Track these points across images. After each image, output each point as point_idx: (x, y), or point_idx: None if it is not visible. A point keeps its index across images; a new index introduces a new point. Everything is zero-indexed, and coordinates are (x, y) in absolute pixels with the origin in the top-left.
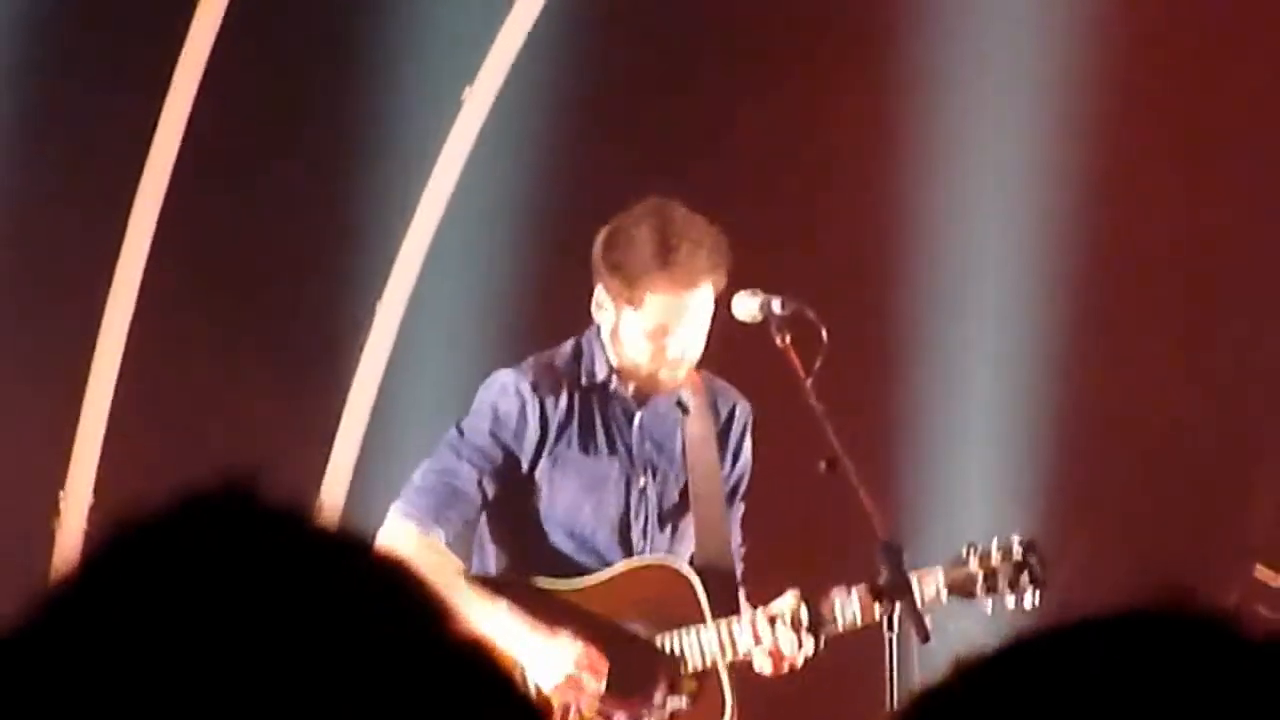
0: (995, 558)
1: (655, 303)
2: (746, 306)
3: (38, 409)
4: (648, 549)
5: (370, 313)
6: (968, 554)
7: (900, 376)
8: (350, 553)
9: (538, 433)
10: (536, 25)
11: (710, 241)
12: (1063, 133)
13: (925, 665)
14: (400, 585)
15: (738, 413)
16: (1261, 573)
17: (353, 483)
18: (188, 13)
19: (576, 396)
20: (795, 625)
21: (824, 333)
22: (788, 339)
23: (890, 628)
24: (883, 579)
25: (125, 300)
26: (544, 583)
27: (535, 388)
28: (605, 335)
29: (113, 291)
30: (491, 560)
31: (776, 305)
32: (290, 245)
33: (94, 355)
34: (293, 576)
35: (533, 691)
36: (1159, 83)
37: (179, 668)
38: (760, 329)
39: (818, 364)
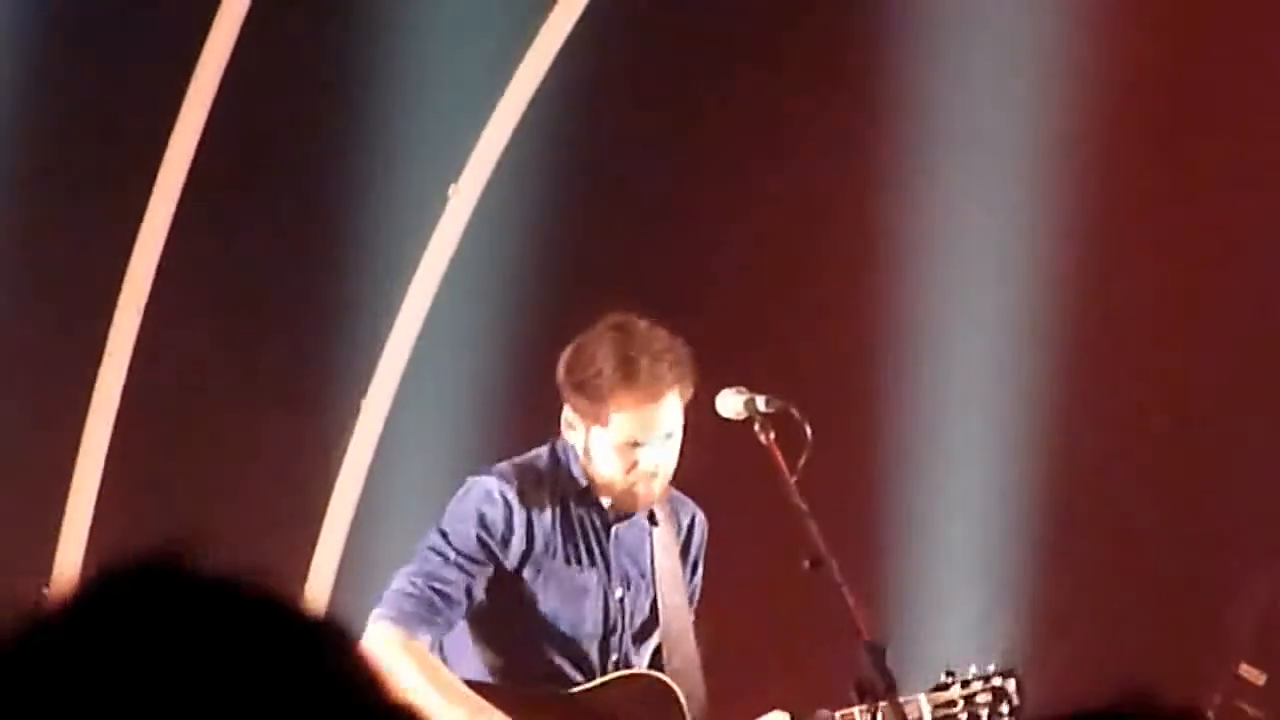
0: (976, 685)
1: (621, 420)
2: (731, 404)
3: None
4: (625, 659)
5: (355, 410)
6: (949, 681)
7: (885, 476)
8: (274, 617)
9: (524, 541)
10: (521, 124)
11: (671, 354)
12: (1055, 226)
13: None
14: (329, 650)
15: (696, 524)
16: (1246, 671)
17: (336, 582)
18: (174, 109)
19: (558, 506)
20: None
21: (808, 430)
22: (772, 436)
23: None
24: (865, 678)
25: (109, 400)
26: (535, 691)
27: (521, 495)
28: (579, 452)
29: (96, 393)
30: (475, 664)
31: (761, 403)
32: (276, 344)
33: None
34: (205, 644)
35: None
36: (1150, 115)
37: None
38: (744, 427)
39: (802, 462)
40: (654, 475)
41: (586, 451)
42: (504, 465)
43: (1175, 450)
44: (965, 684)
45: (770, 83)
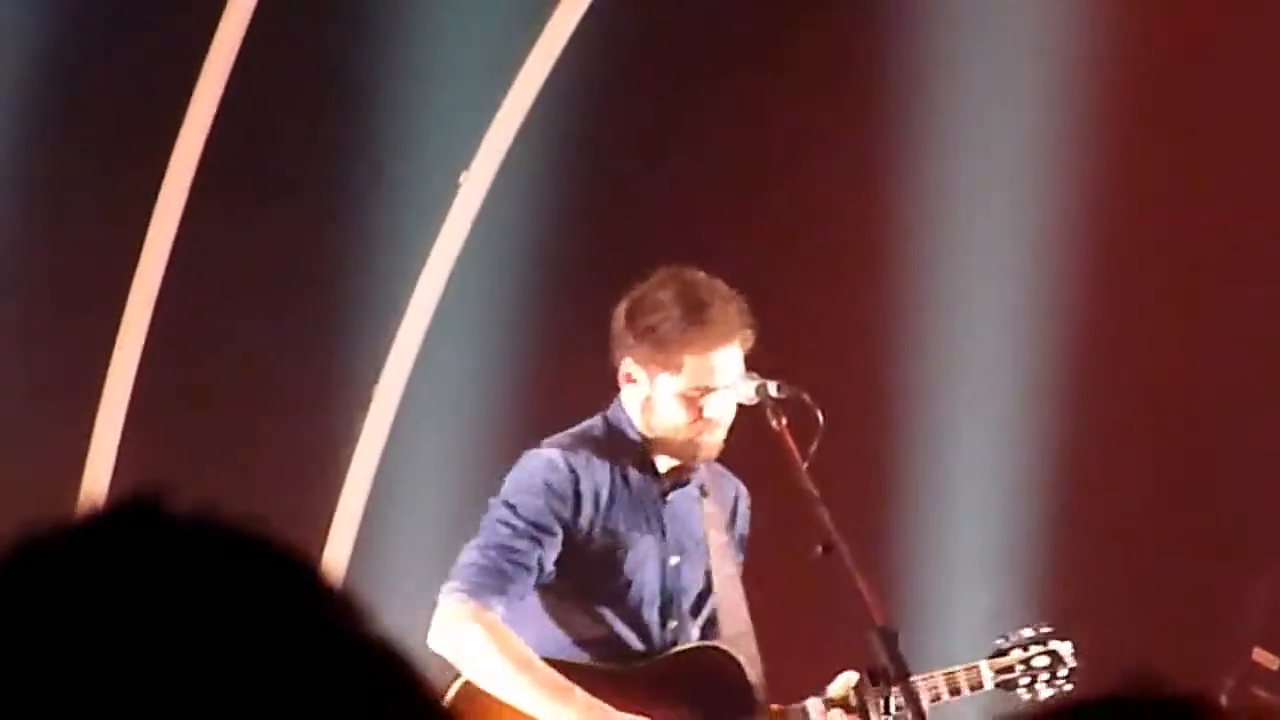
0: (1034, 649)
1: (693, 364)
2: (743, 389)
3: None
4: (682, 627)
5: (368, 397)
6: (1006, 645)
7: (896, 462)
8: (256, 555)
9: (591, 508)
10: (532, 112)
11: (736, 300)
12: (1064, 224)
13: None
14: (307, 585)
15: (741, 498)
16: (1260, 655)
17: (348, 573)
18: (184, 100)
19: (617, 473)
20: (856, 711)
21: (820, 416)
22: (784, 422)
23: (887, 711)
24: (878, 664)
25: (119, 396)
26: (604, 665)
27: (582, 463)
28: (635, 408)
29: (106, 388)
30: (539, 632)
31: (773, 388)
32: (287, 331)
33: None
34: (193, 583)
35: None
36: (1155, 113)
37: (60, 675)
38: (756, 412)
39: (814, 448)
40: (717, 423)
41: (648, 403)
42: (560, 436)
43: (1186, 440)
44: (1024, 648)
45: (779, 75)
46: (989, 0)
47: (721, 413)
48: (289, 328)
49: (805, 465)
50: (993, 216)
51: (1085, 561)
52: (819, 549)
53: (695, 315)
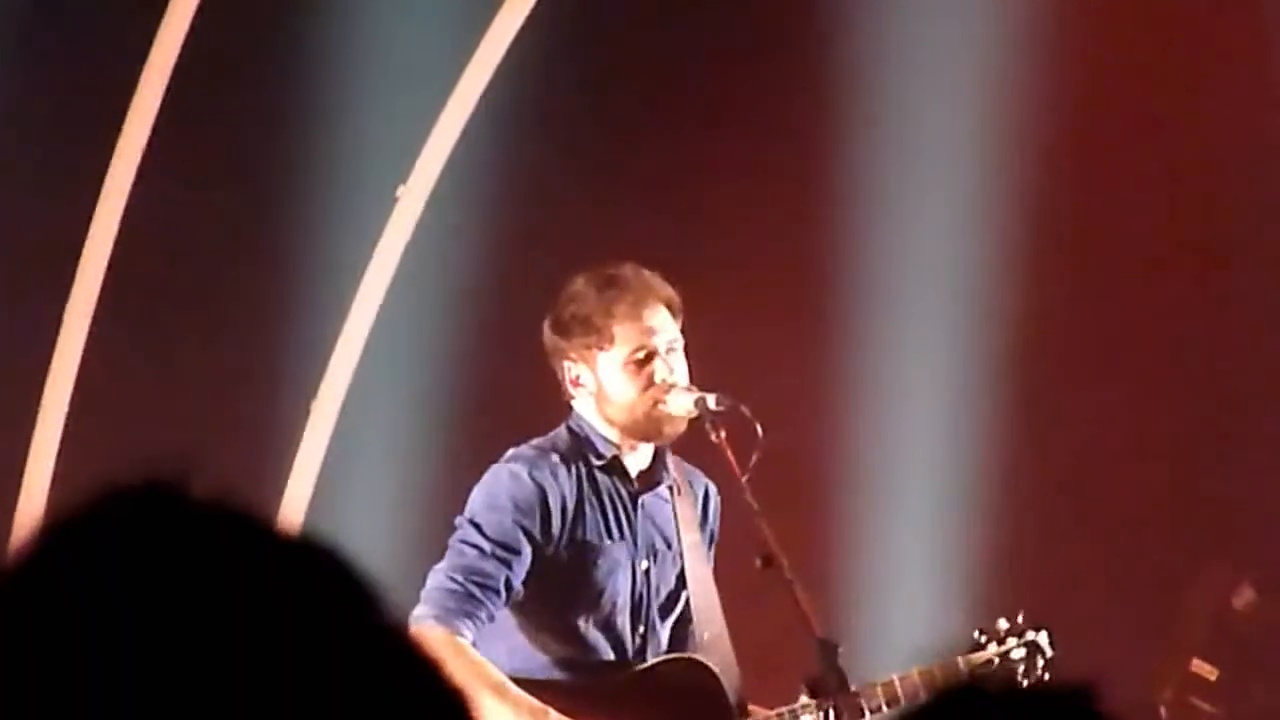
0: (1010, 641)
1: (623, 330)
2: (681, 402)
3: None
4: (652, 632)
5: (305, 413)
6: (983, 640)
7: (837, 474)
8: (275, 542)
9: (558, 521)
10: (469, 125)
11: (654, 275)
12: (1007, 231)
13: None
14: (327, 573)
15: (711, 495)
16: (1198, 667)
17: None
18: (123, 107)
19: (584, 480)
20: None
21: (759, 429)
22: (723, 435)
23: None
24: (818, 676)
25: (56, 408)
26: (578, 682)
27: (547, 475)
28: (591, 410)
29: (43, 403)
30: (517, 652)
31: (712, 401)
32: (223, 344)
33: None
34: (216, 568)
35: None
36: (1112, 115)
37: (99, 661)
38: (695, 425)
39: (753, 460)
40: (670, 387)
41: (600, 394)
42: (523, 449)
43: (1129, 449)
44: (1000, 641)
45: (722, 76)
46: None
47: (670, 376)
48: (228, 337)
49: (745, 478)
50: (935, 222)
51: (1028, 566)
52: (759, 561)
53: (609, 285)
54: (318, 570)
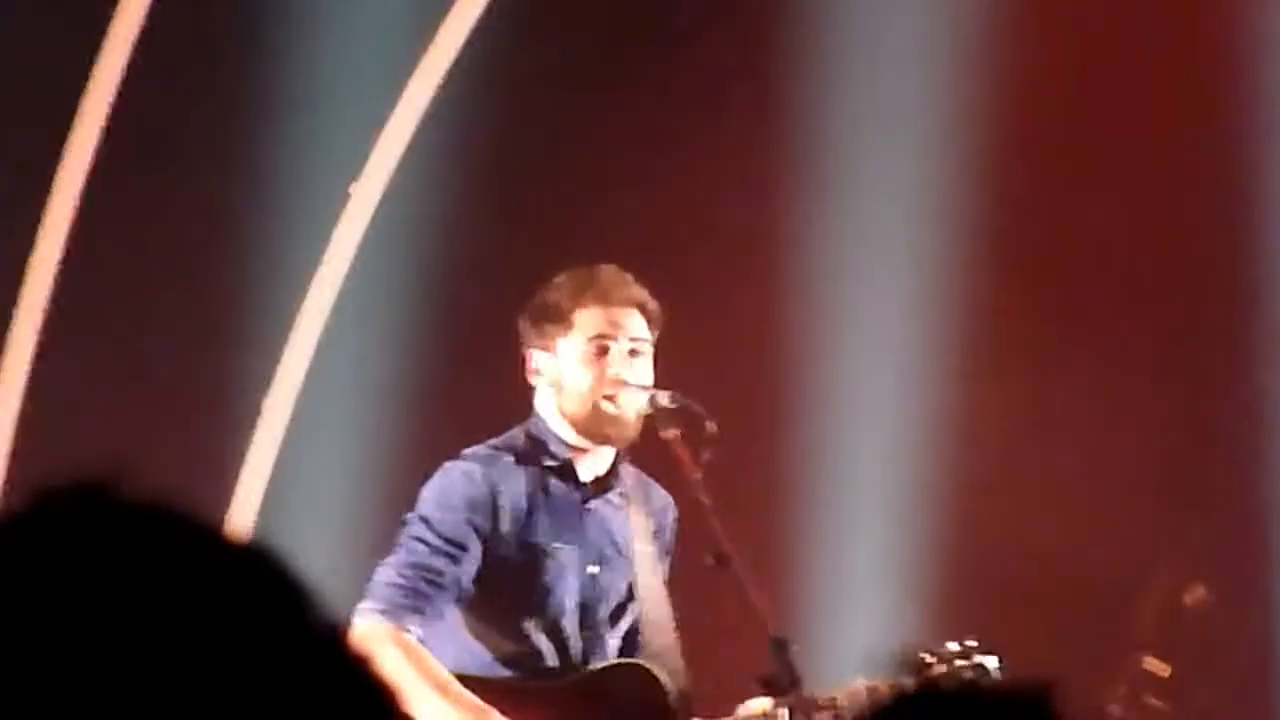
0: (959, 664)
1: (585, 317)
2: (634, 401)
3: None
4: (599, 638)
5: (256, 411)
6: (930, 660)
7: (790, 471)
8: (207, 544)
9: (509, 519)
10: (422, 122)
11: (634, 281)
12: (963, 229)
13: None
14: (259, 575)
15: (669, 510)
16: (1150, 663)
17: None
18: (72, 108)
19: (536, 482)
20: None
21: (712, 426)
22: (676, 433)
23: None
24: (771, 674)
25: (8, 401)
26: (523, 683)
27: (500, 475)
28: (550, 406)
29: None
30: (463, 651)
31: (664, 398)
32: (177, 341)
33: None
34: (144, 571)
35: None
36: (1055, 116)
37: (23, 663)
38: (647, 423)
39: (705, 458)
40: (622, 385)
41: (557, 384)
42: (478, 448)
43: (1078, 445)
44: (949, 662)
45: (672, 80)
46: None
47: (628, 374)
48: (179, 336)
49: (698, 475)
50: (889, 223)
51: (982, 564)
52: (711, 559)
53: (585, 279)
54: (249, 572)
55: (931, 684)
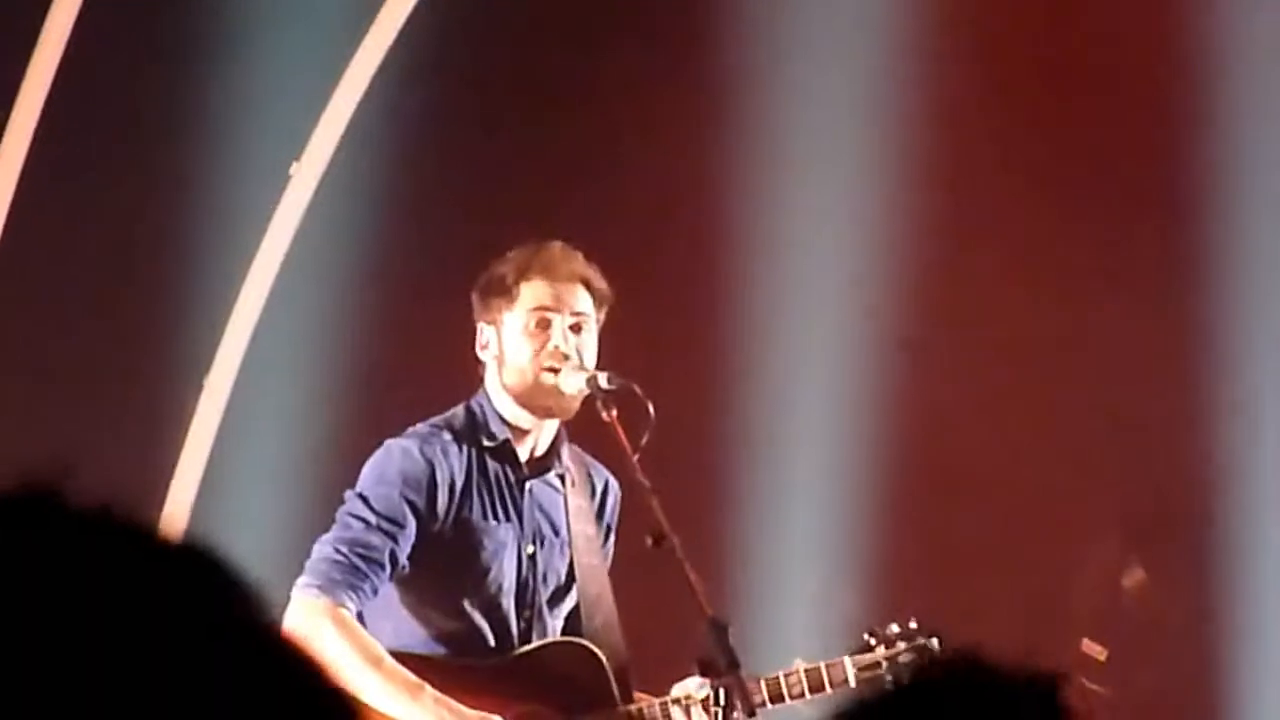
0: (900, 645)
1: (529, 289)
2: (573, 381)
3: None
4: (539, 618)
5: (198, 388)
6: (872, 642)
7: (727, 453)
8: (150, 546)
9: (446, 498)
10: (364, 100)
11: (584, 259)
12: (908, 209)
13: None
14: (204, 575)
15: (610, 489)
16: (1087, 647)
17: None
18: (15, 81)
19: (474, 461)
20: (708, 710)
21: (650, 408)
22: (614, 414)
23: (717, 702)
24: (708, 655)
25: None
26: (460, 661)
27: (438, 453)
28: (495, 378)
29: None
30: (394, 626)
31: (603, 380)
32: (116, 321)
33: None
34: (89, 572)
35: None
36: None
37: None
38: (586, 404)
39: (644, 439)
40: (560, 357)
41: (500, 359)
42: (419, 426)
43: (1017, 431)
44: (889, 644)
45: (621, 59)
46: None
47: (569, 347)
48: (120, 315)
49: (636, 457)
50: (834, 204)
51: (916, 547)
52: (649, 540)
53: (531, 253)
54: (188, 571)
55: (941, 668)
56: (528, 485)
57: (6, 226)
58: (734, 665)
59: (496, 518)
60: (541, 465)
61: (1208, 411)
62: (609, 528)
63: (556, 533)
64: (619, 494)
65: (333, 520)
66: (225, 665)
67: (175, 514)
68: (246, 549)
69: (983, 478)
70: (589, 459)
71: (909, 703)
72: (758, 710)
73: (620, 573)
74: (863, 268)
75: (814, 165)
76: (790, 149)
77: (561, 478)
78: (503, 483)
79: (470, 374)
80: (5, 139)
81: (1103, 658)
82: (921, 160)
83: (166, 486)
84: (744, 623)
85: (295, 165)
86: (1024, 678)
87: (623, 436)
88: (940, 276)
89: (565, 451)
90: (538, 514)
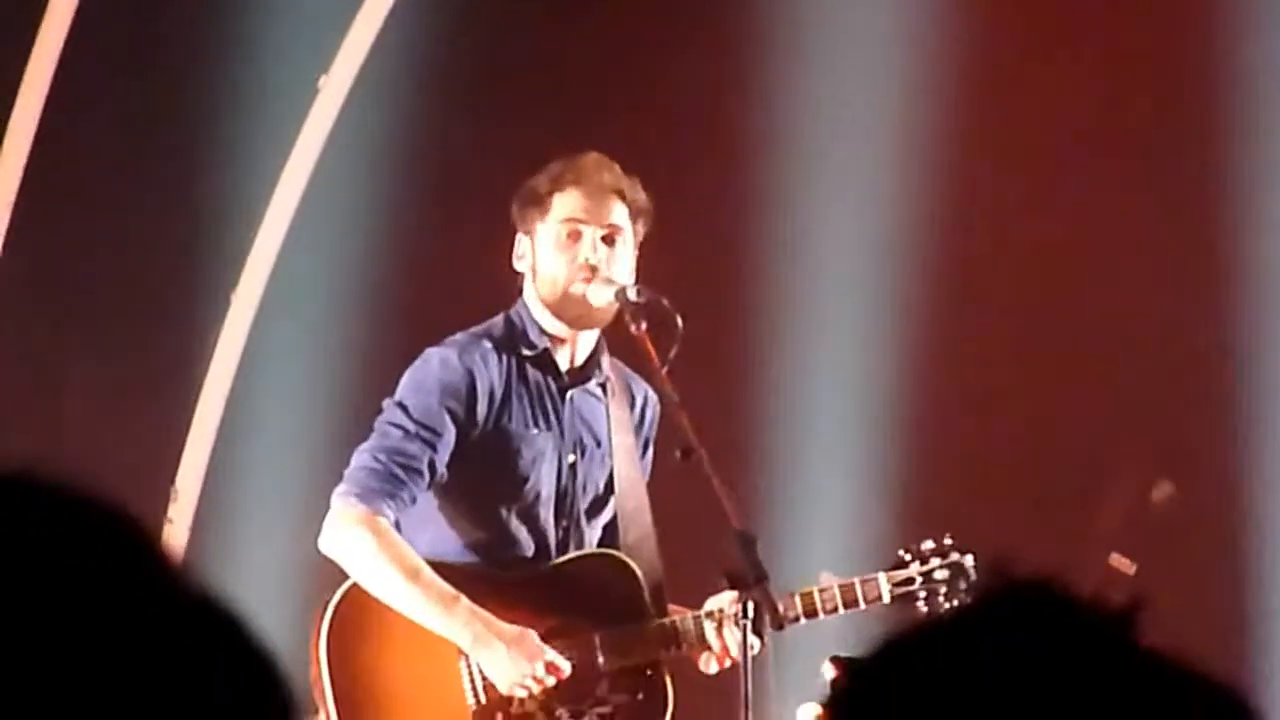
0: (934, 562)
1: (562, 200)
2: (601, 294)
3: None
4: (576, 528)
5: (225, 303)
6: (907, 558)
7: (758, 367)
8: (78, 513)
9: (485, 406)
10: (391, 13)
11: (621, 170)
12: (931, 137)
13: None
14: (131, 543)
15: (649, 402)
16: (1116, 561)
17: (208, 472)
18: (39, 7)
19: (514, 369)
20: (739, 624)
21: (679, 320)
22: (643, 327)
23: (745, 615)
24: (736, 568)
25: None
26: (494, 571)
27: (478, 362)
28: (531, 288)
29: None
30: (434, 534)
31: (632, 293)
32: (144, 238)
33: None
34: (12, 542)
35: (480, 685)
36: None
37: None
38: (615, 318)
39: (673, 353)
40: (592, 271)
41: (534, 270)
42: (459, 335)
43: (1047, 346)
44: (923, 560)
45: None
46: None
47: (595, 258)
48: (145, 235)
49: (664, 370)
50: (862, 124)
51: (949, 463)
52: (678, 453)
53: (568, 164)
54: (113, 546)
55: (1017, 590)
56: (569, 394)
57: (38, 139)
58: (761, 578)
59: (536, 425)
60: (582, 374)
61: (1243, 341)
62: (647, 440)
63: (598, 443)
64: (658, 407)
65: (367, 432)
66: (156, 634)
67: (202, 431)
68: (274, 465)
69: (1014, 396)
70: (628, 371)
71: (980, 627)
72: (787, 624)
73: (650, 486)
74: (896, 185)
75: (852, 79)
76: (829, 64)
77: (603, 387)
78: (543, 391)
79: (501, 289)
80: (32, 57)
81: (1131, 572)
82: (958, 68)
83: (195, 400)
84: (772, 536)
85: (323, 79)
86: (1098, 611)
87: (650, 349)
88: (977, 198)
89: (605, 361)
90: (579, 423)
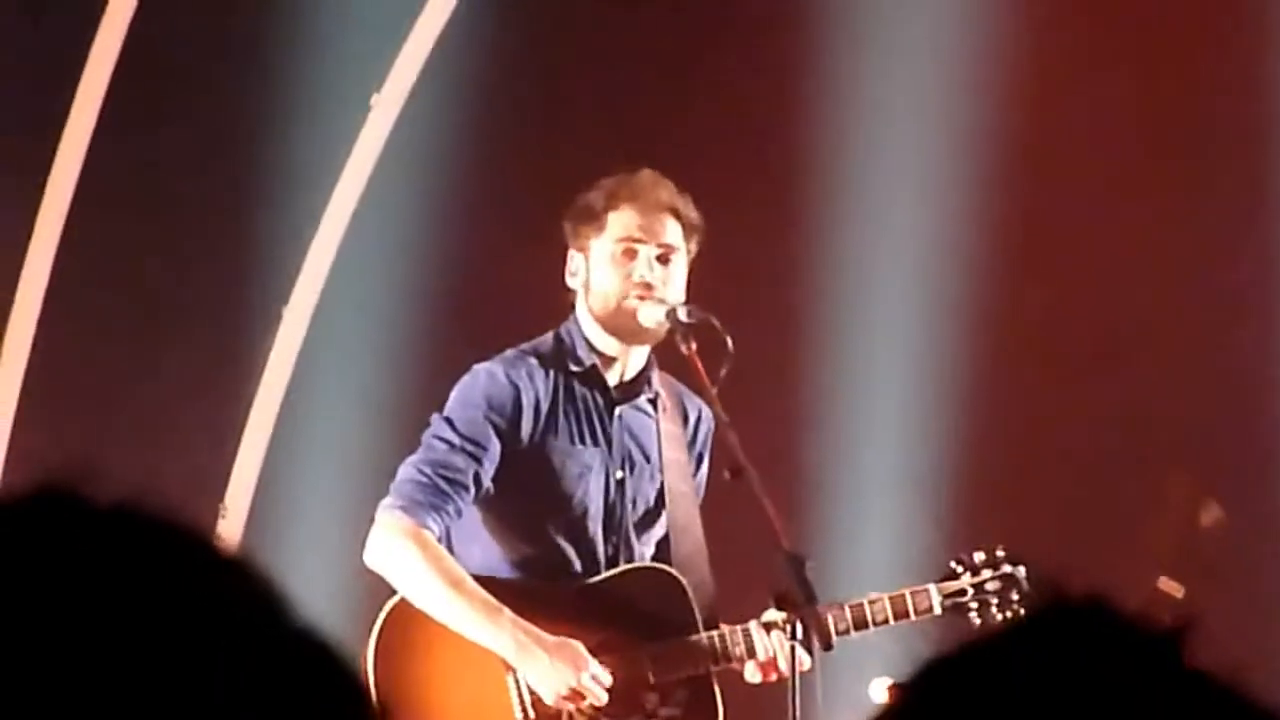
0: (985, 573)
1: (617, 218)
2: (652, 314)
3: None
4: (626, 544)
5: (276, 318)
6: (959, 570)
7: (808, 387)
8: (181, 545)
9: (531, 421)
10: (445, 30)
11: (678, 190)
12: (987, 143)
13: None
14: (230, 575)
15: (703, 418)
16: (1165, 584)
17: (256, 493)
18: (95, 16)
19: (561, 385)
20: (788, 637)
21: (729, 341)
22: (693, 347)
23: (793, 636)
24: (785, 589)
25: (29, 308)
26: (542, 585)
27: (525, 378)
28: (583, 304)
29: (16, 302)
30: (481, 550)
31: (682, 313)
32: (196, 253)
33: None
34: (109, 571)
35: (529, 700)
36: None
37: None
38: (666, 338)
39: (723, 372)
40: (647, 289)
41: (587, 286)
42: (508, 351)
43: (1098, 363)
44: (975, 571)
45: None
46: None
47: (654, 278)
48: (202, 245)
49: (715, 390)
50: (913, 135)
51: (998, 482)
52: (727, 473)
53: (623, 181)
54: (217, 578)
55: (1067, 606)
56: (617, 410)
57: (93, 147)
58: (810, 599)
59: (583, 442)
60: (631, 390)
61: None
62: (700, 456)
63: (647, 458)
64: (712, 424)
65: (416, 448)
66: (231, 666)
67: (252, 448)
68: (323, 482)
69: (1065, 414)
70: (681, 387)
71: (1031, 647)
72: (837, 635)
73: (701, 504)
74: (947, 198)
75: (902, 91)
76: (880, 77)
77: (653, 402)
78: (590, 407)
79: (553, 305)
80: (87, 71)
81: (1179, 595)
82: (1012, 78)
83: (245, 417)
84: (821, 557)
85: (376, 96)
86: (1148, 632)
87: (700, 370)
88: (1029, 208)
89: (655, 377)
90: (627, 439)
